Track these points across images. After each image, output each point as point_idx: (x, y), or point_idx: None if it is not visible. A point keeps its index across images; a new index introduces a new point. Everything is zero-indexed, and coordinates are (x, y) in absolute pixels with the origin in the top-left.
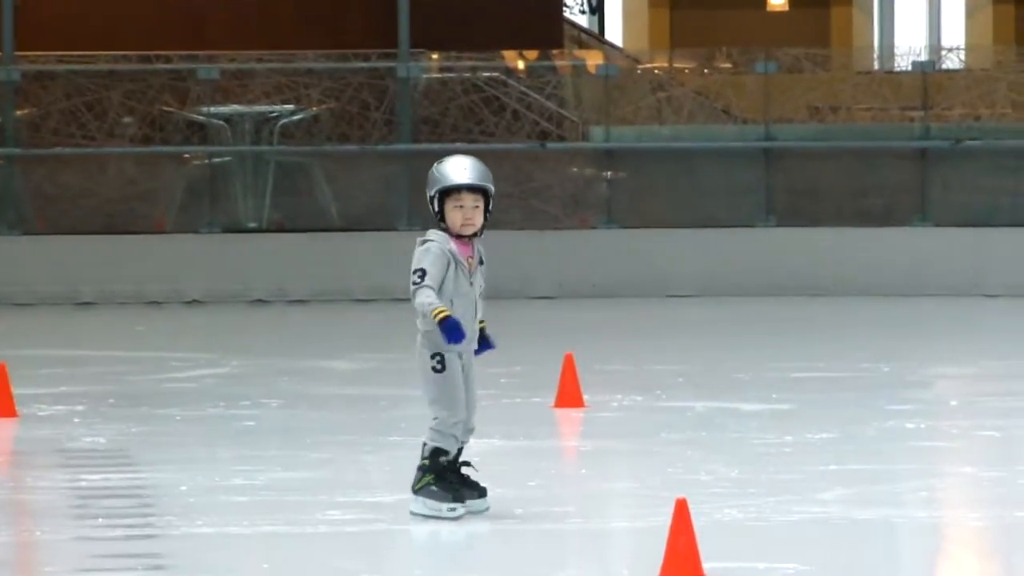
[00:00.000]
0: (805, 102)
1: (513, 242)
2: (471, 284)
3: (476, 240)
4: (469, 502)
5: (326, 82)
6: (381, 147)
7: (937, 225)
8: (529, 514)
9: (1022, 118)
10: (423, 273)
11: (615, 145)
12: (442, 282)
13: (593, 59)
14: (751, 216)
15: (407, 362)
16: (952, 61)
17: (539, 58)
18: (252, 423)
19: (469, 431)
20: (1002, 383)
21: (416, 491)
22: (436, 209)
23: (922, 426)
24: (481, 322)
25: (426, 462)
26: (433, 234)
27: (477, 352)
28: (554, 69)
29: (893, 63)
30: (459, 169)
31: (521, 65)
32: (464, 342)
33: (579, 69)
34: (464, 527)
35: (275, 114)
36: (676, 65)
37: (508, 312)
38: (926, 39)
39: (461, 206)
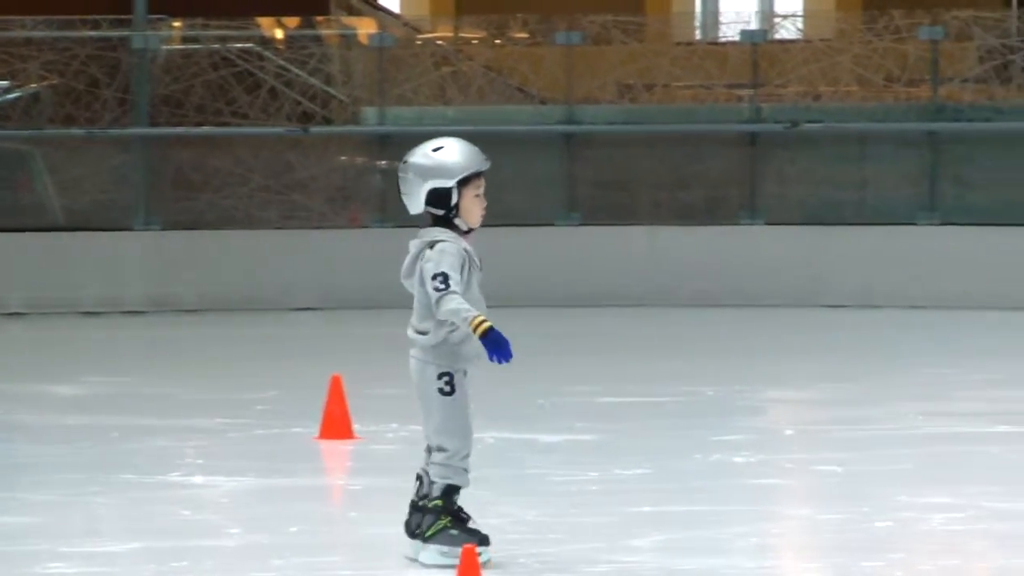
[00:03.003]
0: (614, 79)
1: (270, 243)
2: (479, 285)
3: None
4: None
5: (47, 54)
6: (113, 131)
7: (769, 223)
8: (290, 565)
9: (869, 96)
10: (445, 278)
11: (391, 129)
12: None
13: (365, 27)
14: (551, 213)
15: (143, 386)
16: (787, 30)
17: (301, 26)
18: None
19: None
20: (845, 409)
21: (428, 538)
22: (454, 202)
23: (752, 460)
24: None
25: (439, 503)
26: (442, 232)
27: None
28: (319, 39)
29: (718, 32)
30: (471, 152)
31: (279, 34)
32: (475, 357)
33: (349, 39)
34: None
35: None
36: (463, 35)
37: (262, 325)
38: (757, 4)
39: (478, 195)
